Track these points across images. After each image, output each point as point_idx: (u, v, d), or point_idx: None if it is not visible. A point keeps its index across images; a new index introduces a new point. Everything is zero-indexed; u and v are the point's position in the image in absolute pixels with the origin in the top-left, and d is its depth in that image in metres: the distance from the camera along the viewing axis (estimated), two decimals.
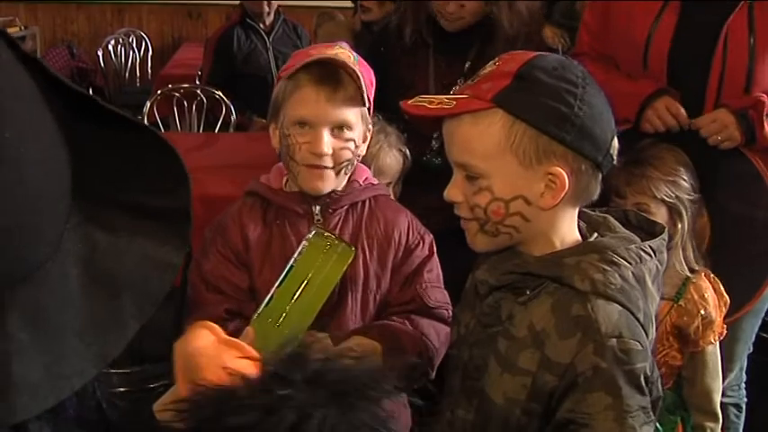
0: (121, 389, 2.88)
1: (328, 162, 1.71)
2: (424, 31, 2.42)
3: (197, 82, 4.97)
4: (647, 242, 1.38)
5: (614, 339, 1.28)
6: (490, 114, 1.31)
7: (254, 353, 1.07)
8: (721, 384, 2.25)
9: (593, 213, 1.45)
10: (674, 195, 2.12)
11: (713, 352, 2.20)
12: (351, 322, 1.76)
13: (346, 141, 1.72)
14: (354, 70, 1.69)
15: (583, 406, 1.28)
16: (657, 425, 1.72)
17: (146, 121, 4.44)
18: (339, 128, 1.72)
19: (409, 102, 1.39)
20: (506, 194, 1.33)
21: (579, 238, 1.40)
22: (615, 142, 1.35)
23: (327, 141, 1.70)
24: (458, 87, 2.31)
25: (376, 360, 1.48)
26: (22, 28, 7.60)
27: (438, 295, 1.83)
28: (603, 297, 1.30)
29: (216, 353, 1.10)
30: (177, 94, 4.59)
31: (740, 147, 2.29)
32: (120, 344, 0.77)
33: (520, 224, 1.35)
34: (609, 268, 1.31)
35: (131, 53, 7.43)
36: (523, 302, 1.36)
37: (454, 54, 2.39)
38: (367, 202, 1.82)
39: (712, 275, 2.22)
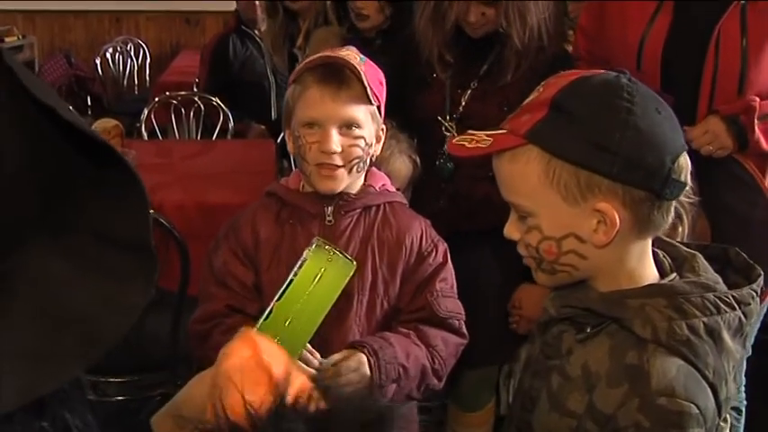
0: (119, 398, 2.87)
1: (338, 160, 1.72)
2: (446, 49, 2.38)
3: (195, 89, 4.97)
4: (732, 291, 1.24)
5: (665, 398, 1.16)
6: (526, 151, 1.22)
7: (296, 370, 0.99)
8: None
9: (683, 248, 1.32)
10: None
11: None
12: (355, 326, 1.76)
13: (355, 139, 1.74)
14: (356, 68, 1.71)
15: None
16: None
17: (143, 129, 4.44)
18: (347, 126, 1.73)
19: (453, 141, 1.31)
20: (556, 233, 1.24)
21: (655, 274, 1.28)
22: (680, 164, 1.22)
23: (336, 140, 1.71)
24: (471, 89, 2.34)
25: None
26: (20, 37, 7.59)
27: (450, 305, 1.82)
28: (665, 348, 1.18)
29: (245, 375, 0.99)
30: (175, 102, 4.58)
31: (732, 153, 2.27)
32: (53, 382, 0.71)
33: (576, 262, 1.25)
34: (676, 316, 1.19)
35: (129, 61, 7.41)
36: (582, 340, 1.26)
37: (473, 58, 2.38)
38: (381, 208, 1.83)
39: None
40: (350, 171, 1.75)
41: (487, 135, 1.26)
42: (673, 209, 1.25)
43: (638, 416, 1.16)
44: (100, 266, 0.73)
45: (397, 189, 2.14)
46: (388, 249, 1.79)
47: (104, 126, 3.60)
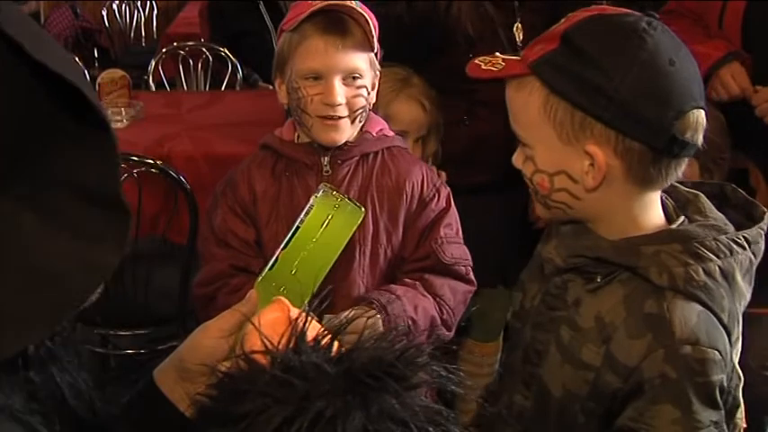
0: (130, 351, 2.87)
1: (343, 111, 1.68)
2: None
3: (202, 40, 4.90)
4: (743, 232, 1.22)
5: (689, 347, 1.15)
6: (530, 82, 1.21)
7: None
8: None
9: (683, 189, 1.30)
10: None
11: None
12: (359, 278, 1.73)
13: (359, 89, 1.69)
14: (362, 14, 1.65)
15: (647, 417, 1.17)
16: None
17: (151, 80, 4.40)
18: (351, 76, 1.68)
19: (473, 61, 1.29)
20: (549, 168, 1.23)
21: (662, 219, 1.26)
22: (687, 122, 1.17)
23: (340, 91, 1.67)
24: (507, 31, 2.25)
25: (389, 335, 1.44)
26: None
27: (455, 251, 1.78)
28: (683, 295, 1.17)
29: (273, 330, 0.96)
30: (183, 53, 4.53)
31: None
32: (17, 342, 0.68)
33: (569, 201, 1.24)
34: (692, 262, 1.17)
35: (136, 12, 7.34)
36: (593, 290, 1.24)
37: None
38: (379, 154, 1.78)
39: None
40: (353, 121, 1.71)
41: (504, 59, 1.26)
42: (681, 166, 1.22)
43: (665, 366, 1.15)
44: (71, 222, 0.69)
45: (403, 133, 2.10)
46: (388, 197, 1.75)
47: (111, 77, 3.56)
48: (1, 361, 0.66)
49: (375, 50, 1.72)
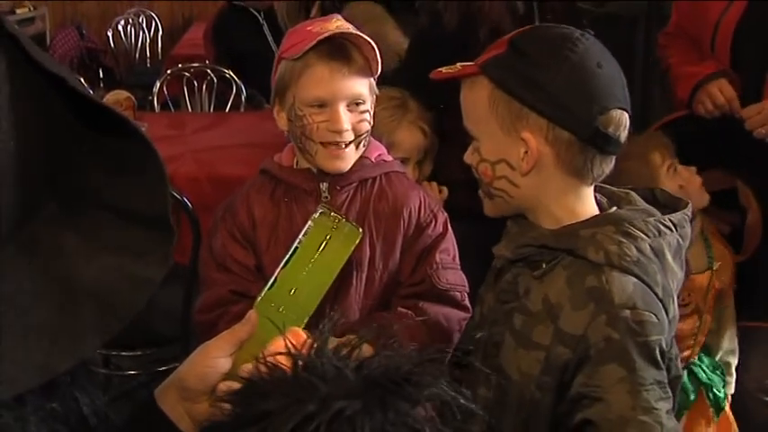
0: (132, 372, 2.86)
1: (349, 137, 1.69)
2: None
3: (207, 61, 4.93)
4: (669, 216, 1.37)
5: (627, 310, 1.26)
6: (479, 81, 1.37)
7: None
8: None
9: (615, 189, 1.44)
10: None
11: (731, 295, 2.30)
12: (354, 303, 1.73)
13: (362, 113, 1.71)
14: (365, 39, 1.66)
15: (596, 379, 1.26)
16: None
17: (155, 102, 4.41)
18: (354, 102, 1.69)
19: (441, 69, 1.46)
20: (491, 157, 1.38)
21: (597, 211, 1.39)
22: (609, 118, 1.32)
23: (345, 118, 1.67)
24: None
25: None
26: (31, 8, 7.54)
27: (451, 276, 1.78)
28: (618, 269, 1.28)
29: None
30: (187, 74, 4.55)
31: None
32: (71, 357, 0.69)
33: (508, 188, 1.38)
34: (625, 240, 1.30)
35: (141, 33, 7.38)
36: (539, 276, 1.36)
37: None
38: (377, 179, 1.79)
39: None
40: (357, 146, 1.72)
41: (461, 65, 1.42)
42: (606, 163, 1.36)
43: (608, 329, 1.26)
44: (114, 241, 0.71)
45: (405, 159, 2.11)
46: (385, 222, 1.76)
47: (116, 98, 3.58)
48: (27, 395, 0.67)
49: (376, 75, 1.73)
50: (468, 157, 1.43)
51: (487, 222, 2.29)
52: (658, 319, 1.28)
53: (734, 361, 2.35)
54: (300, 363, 0.84)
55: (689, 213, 1.40)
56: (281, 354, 0.86)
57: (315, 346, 0.86)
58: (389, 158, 1.85)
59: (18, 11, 7.23)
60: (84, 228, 0.71)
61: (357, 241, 1.54)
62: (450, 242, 1.81)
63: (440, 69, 1.45)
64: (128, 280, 0.73)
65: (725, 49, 2.28)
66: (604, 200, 1.43)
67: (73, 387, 0.83)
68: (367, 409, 0.77)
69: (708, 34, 2.31)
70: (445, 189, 2.31)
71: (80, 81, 0.70)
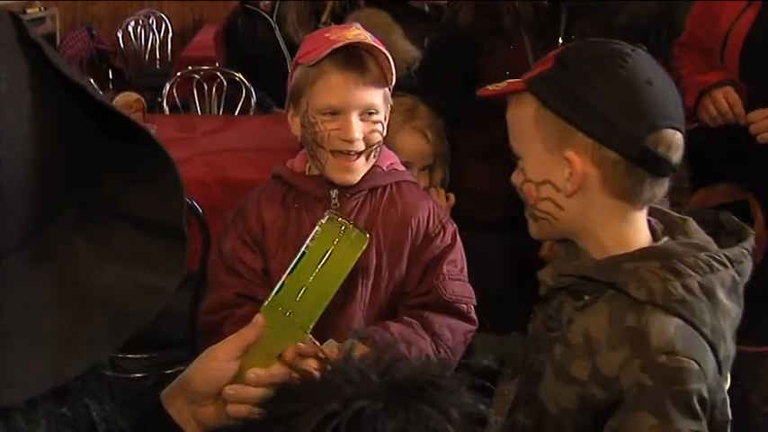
0: (138, 374, 2.86)
1: (360, 146, 1.68)
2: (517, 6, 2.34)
3: (217, 64, 4.94)
4: (724, 250, 1.27)
5: (665, 356, 1.19)
6: (526, 97, 1.32)
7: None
8: None
9: (673, 214, 1.36)
10: None
11: None
12: (359, 310, 1.73)
13: (374, 124, 1.70)
14: (380, 50, 1.66)
15: (627, 426, 1.20)
16: None
17: (165, 104, 4.42)
18: (367, 112, 1.69)
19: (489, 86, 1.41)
20: (536, 177, 1.32)
21: (648, 240, 1.32)
22: (659, 138, 1.25)
23: (357, 127, 1.67)
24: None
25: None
26: (42, 9, 7.56)
27: (458, 288, 1.77)
28: (661, 308, 1.21)
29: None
30: (197, 77, 4.55)
31: None
32: (82, 363, 0.70)
33: (553, 210, 1.32)
34: (671, 277, 1.22)
35: (151, 35, 7.40)
36: (580, 308, 1.30)
37: (547, 31, 2.33)
38: (388, 188, 1.78)
39: None
40: (368, 157, 1.71)
41: (508, 82, 1.37)
42: (659, 185, 1.29)
43: (641, 375, 1.19)
44: (127, 249, 0.72)
45: (408, 164, 2.11)
46: (393, 231, 1.75)
47: (126, 100, 3.58)
48: (38, 399, 0.67)
49: (391, 86, 1.72)
50: (514, 178, 1.37)
51: (492, 232, 2.30)
52: (700, 365, 1.20)
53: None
54: (329, 367, 0.87)
55: (748, 247, 1.31)
56: (308, 354, 0.92)
57: (343, 351, 0.90)
58: (401, 168, 1.85)
59: (29, 11, 7.25)
60: (98, 236, 0.72)
61: (364, 247, 1.54)
62: (459, 253, 1.80)
63: (487, 87, 1.40)
64: (140, 289, 0.73)
65: (734, 59, 2.27)
66: (660, 227, 1.34)
67: (83, 393, 0.84)
68: (389, 410, 0.79)
69: (718, 44, 2.31)
70: (452, 196, 2.30)
71: (97, 89, 0.70)
